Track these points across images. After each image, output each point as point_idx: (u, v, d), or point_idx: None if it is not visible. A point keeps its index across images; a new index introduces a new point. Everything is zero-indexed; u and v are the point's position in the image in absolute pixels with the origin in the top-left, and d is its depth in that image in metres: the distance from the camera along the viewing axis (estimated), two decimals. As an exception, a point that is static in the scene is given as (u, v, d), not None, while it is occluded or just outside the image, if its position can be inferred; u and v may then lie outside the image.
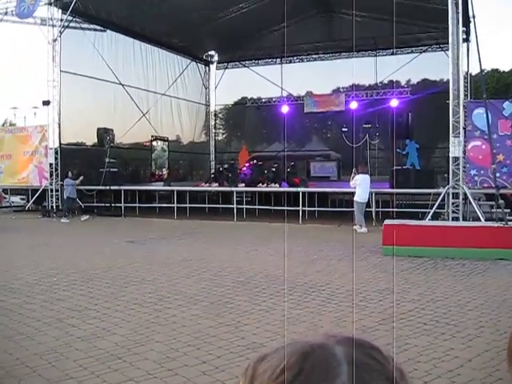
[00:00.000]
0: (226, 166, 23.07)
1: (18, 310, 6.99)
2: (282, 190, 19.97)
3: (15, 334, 5.97)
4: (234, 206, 19.08)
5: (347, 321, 6.25)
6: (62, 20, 20.62)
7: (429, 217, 14.42)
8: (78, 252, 12.04)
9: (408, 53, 25.70)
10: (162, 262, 10.56)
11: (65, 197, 19.21)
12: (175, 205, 20.02)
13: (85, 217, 18.70)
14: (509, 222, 11.55)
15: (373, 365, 0.75)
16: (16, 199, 24.77)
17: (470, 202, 14.66)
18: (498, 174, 14.33)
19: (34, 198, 21.56)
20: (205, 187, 22.07)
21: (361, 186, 14.92)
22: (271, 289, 7.98)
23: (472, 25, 16.85)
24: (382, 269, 9.53)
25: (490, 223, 12.15)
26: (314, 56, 28.70)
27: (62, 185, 20.75)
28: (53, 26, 20.47)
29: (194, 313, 6.74)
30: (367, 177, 15.21)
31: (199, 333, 5.89)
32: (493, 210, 14.91)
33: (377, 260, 10.43)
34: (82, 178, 19.86)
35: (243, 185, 20.45)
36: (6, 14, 21.48)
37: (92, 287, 8.29)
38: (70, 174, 19.56)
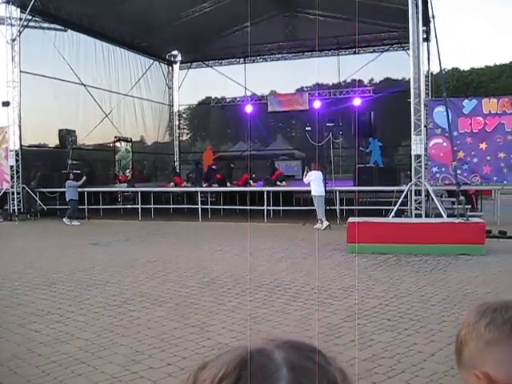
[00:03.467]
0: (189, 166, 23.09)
1: (-23, 316, 6.84)
2: (246, 189, 19.99)
3: (-25, 341, 5.84)
4: (199, 206, 19.01)
5: (312, 318, 6.27)
6: (20, 19, 20.18)
7: (392, 214, 14.60)
8: (41, 255, 11.85)
9: (370, 52, 25.99)
10: (126, 263, 10.46)
11: (67, 199, 18.60)
12: (139, 206, 19.87)
13: (76, 222, 18.27)
14: (469, 218, 11.78)
15: (313, 368, 0.74)
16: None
17: (432, 199, 14.89)
18: (458, 171, 14.59)
19: (-6, 202, 21.09)
20: (169, 188, 21.93)
21: (315, 182, 15.40)
22: (237, 288, 7.97)
23: (432, 24, 17.14)
24: (346, 266, 9.61)
25: (451, 219, 12.36)
26: (277, 56, 28.76)
27: (24, 187, 20.41)
28: (11, 25, 20.02)
29: (159, 314, 6.69)
30: (320, 173, 15.55)
31: (164, 335, 5.84)
32: (454, 207, 15.16)
33: (341, 258, 10.51)
34: (84, 178, 19.39)
35: (206, 185, 20.41)
36: (-39, 13, 20.97)
37: (55, 291, 8.15)
38: (71, 175, 19.08)
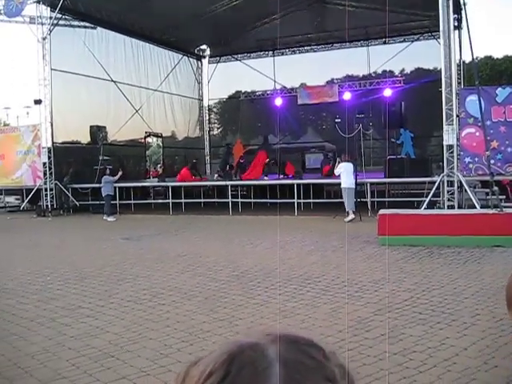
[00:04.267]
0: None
1: (11, 311, 6.94)
2: (277, 182, 19.94)
3: (7, 335, 5.92)
4: (229, 200, 19.01)
5: (342, 312, 6.20)
6: (51, 18, 20.41)
7: (424, 205, 14.38)
8: (73, 250, 11.99)
9: (400, 42, 25.62)
10: (156, 258, 10.51)
11: (103, 194, 18.72)
12: (170, 200, 19.97)
13: (112, 218, 18.40)
14: (504, 209, 11.52)
15: (308, 363, 0.69)
16: (11, 199, 24.62)
17: (465, 190, 14.63)
18: (492, 161, 14.27)
19: (28, 198, 21.44)
20: (200, 182, 21.99)
21: (344, 173, 15.24)
22: (266, 282, 7.93)
23: (463, 12, 16.79)
24: (377, 259, 9.50)
25: (485, 210, 12.12)
26: (306, 48, 28.60)
27: (57, 184, 20.69)
28: (42, 24, 20.27)
29: (188, 308, 6.69)
30: (350, 164, 15.37)
31: (193, 328, 5.84)
32: (488, 197, 14.89)
33: (372, 250, 10.39)
34: (120, 173, 19.45)
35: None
36: (-6, 13, 21.33)
37: (86, 285, 8.23)
38: (108, 170, 19.24)
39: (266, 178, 20.54)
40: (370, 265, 8.96)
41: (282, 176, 20.57)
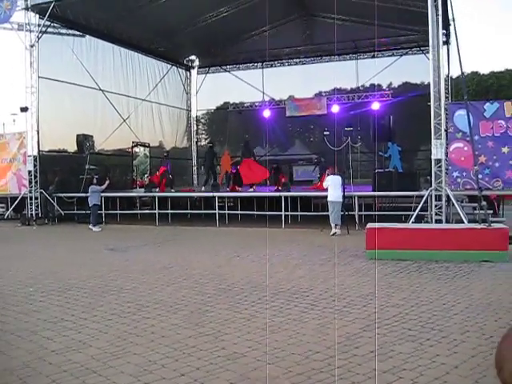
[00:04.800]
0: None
1: (-10, 323, 6.76)
2: (264, 194, 19.85)
3: (-14, 349, 5.75)
4: (216, 211, 18.88)
5: (330, 327, 6.09)
6: (39, 25, 20.29)
7: (412, 219, 14.35)
8: (57, 261, 11.80)
9: (389, 55, 25.77)
10: (142, 269, 10.36)
11: (90, 204, 18.36)
12: (157, 211, 19.80)
13: (97, 228, 18.12)
14: (492, 224, 11.49)
15: None
16: (-5, 208, 24.35)
17: (453, 204, 14.61)
18: (480, 176, 14.28)
19: (12, 206, 21.19)
20: (186, 193, 21.84)
21: (331, 186, 15.09)
22: (253, 296, 7.81)
23: (452, 27, 16.87)
24: (365, 273, 9.41)
25: (473, 225, 12.09)
26: (295, 60, 28.66)
27: (42, 192, 20.47)
28: (30, 31, 20.14)
29: (174, 322, 6.55)
30: (337, 177, 15.28)
31: (178, 343, 5.71)
32: (476, 212, 14.87)
33: (360, 264, 10.30)
34: (108, 182, 19.06)
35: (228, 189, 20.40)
36: (-18, 19, 21.14)
37: (69, 297, 8.06)
38: (94, 180, 18.91)
39: (251, 189, 20.41)
40: (358, 279, 8.87)
41: (277, 188, 20.42)
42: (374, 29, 19.44)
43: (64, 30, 21.90)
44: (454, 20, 15.96)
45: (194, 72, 31.32)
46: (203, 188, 21.77)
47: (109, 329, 6.36)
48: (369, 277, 9.02)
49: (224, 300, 7.64)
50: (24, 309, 7.44)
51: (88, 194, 18.49)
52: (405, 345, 5.46)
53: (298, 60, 28.61)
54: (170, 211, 20.18)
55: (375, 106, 21.58)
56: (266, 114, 26.22)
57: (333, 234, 14.69)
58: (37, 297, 8.17)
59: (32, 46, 20.12)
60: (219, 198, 19.60)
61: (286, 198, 17.96)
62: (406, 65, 24.96)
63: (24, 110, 20.19)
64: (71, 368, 5.09)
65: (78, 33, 22.50)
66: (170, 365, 5.10)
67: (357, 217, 16.64)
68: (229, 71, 30.10)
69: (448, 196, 14.66)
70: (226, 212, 19.33)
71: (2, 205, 23.12)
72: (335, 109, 21.26)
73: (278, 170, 22.35)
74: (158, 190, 21.71)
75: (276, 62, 28.98)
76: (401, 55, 25.55)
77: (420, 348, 5.34)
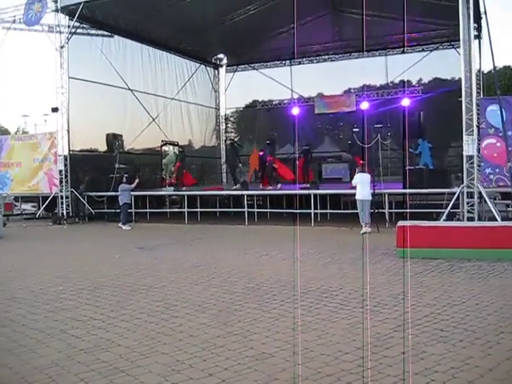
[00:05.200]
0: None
1: (21, 321, 6.82)
2: (293, 192, 19.73)
3: (16, 347, 5.79)
4: (245, 209, 18.85)
5: (360, 328, 5.98)
6: (69, 26, 20.57)
7: (443, 217, 14.12)
8: (87, 259, 11.89)
9: (419, 51, 25.41)
10: (170, 268, 10.37)
11: (121, 203, 18.45)
12: (186, 209, 19.85)
13: (127, 226, 18.21)
14: (526, 221, 11.23)
15: None
16: (27, 207, 24.75)
17: (486, 202, 14.33)
18: (513, 172, 14.00)
19: (44, 206, 21.48)
20: (215, 191, 21.82)
21: (359, 184, 14.81)
22: (282, 295, 7.74)
23: (483, 21, 16.56)
24: (396, 272, 9.26)
25: (506, 223, 11.85)
26: (323, 57, 28.47)
27: (72, 191, 20.72)
28: (60, 32, 20.41)
29: (202, 321, 6.52)
30: (365, 175, 14.98)
31: (206, 343, 5.66)
32: (509, 209, 14.59)
33: (391, 263, 10.15)
34: (137, 181, 19.05)
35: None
36: (14, 22, 21.50)
37: (98, 296, 8.10)
38: (124, 178, 18.93)
39: (278, 185, 20.25)
40: (389, 278, 8.73)
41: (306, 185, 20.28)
42: (404, 24, 19.18)
43: (93, 31, 22.15)
44: (485, 13, 15.69)
45: (222, 70, 31.39)
46: (237, 186, 21.59)
47: (137, 328, 6.36)
48: (399, 276, 8.87)
49: (253, 299, 7.58)
50: (54, 307, 7.49)
51: (118, 193, 18.61)
52: (437, 346, 5.33)
53: (326, 57, 28.43)
54: (199, 209, 20.20)
55: (405, 102, 21.17)
56: (295, 111, 25.99)
57: (363, 233, 14.50)
58: (67, 295, 8.22)
59: (62, 47, 20.40)
60: (248, 196, 19.56)
61: (315, 195, 17.84)
62: (437, 60, 24.58)
63: (55, 110, 20.45)
64: (99, 367, 5.08)
65: (106, 33, 22.73)
66: (197, 365, 5.06)
67: (387, 215, 16.45)
68: (257, 69, 30.06)
69: (480, 193, 14.39)
70: (255, 210, 19.29)
71: (34, 204, 23.50)
72: (364, 105, 20.93)
73: (307, 164, 22.31)
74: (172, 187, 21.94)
75: (304, 59, 28.83)
76: (431, 50, 25.18)
77: (452, 349, 5.21)
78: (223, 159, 31.12)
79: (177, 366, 5.03)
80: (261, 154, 21.45)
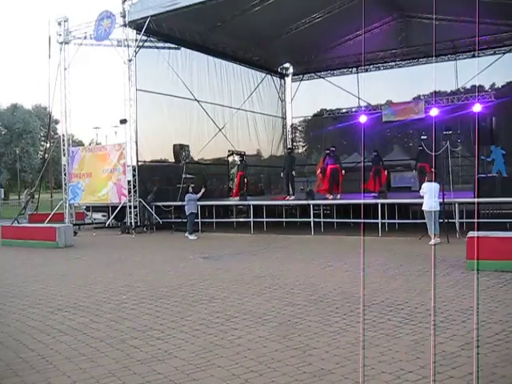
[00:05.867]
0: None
1: (83, 330, 6.89)
2: (360, 201, 19.33)
3: (76, 355, 5.83)
4: (311, 219, 18.62)
5: (425, 345, 5.69)
6: (136, 40, 21.05)
7: (518, 227, 13.46)
8: (151, 268, 12.00)
9: (490, 54, 24.51)
10: (234, 278, 10.29)
11: (187, 212, 18.61)
12: (251, 219, 19.80)
13: (193, 236, 18.34)
14: None
15: None
16: (98, 216, 25.42)
17: None
18: None
19: (113, 215, 21.96)
20: (280, 201, 21.66)
21: (427, 194, 14.22)
22: (345, 308, 7.51)
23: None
24: (465, 285, 8.83)
25: None
26: (391, 63, 27.96)
27: (141, 201, 21.11)
28: (128, 46, 20.93)
29: (261, 334, 6.38)
30: (434, 184, 14.36)
31: (264, 357, 5.52)
32: None
33: (460, 275, 9.71)
34: (203, 190, 19.25)
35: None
36: (85, 38, 22.18)
37: (160, 306, 8.11)
38: (190, 188, 19.11)
39: (333, 196, 19.82)
40: (458, 291, 8.33)
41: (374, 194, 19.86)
42: (474, 27, 18.58)
43: (160, 44, 22.61)
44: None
45: (288, 79, 31.38)
46: (291, 197, 21.38)
47: (195, 339, 6.29)
48: (469, 289, 8.46)
49: (314, 312, 7.39)
50: (115, 316, 7.54)
51: (184, 203, 18.77)
52: (509, 368, 4.96)
53: (393, 63, 27.89)
54: (265, 219, 20.13)
55: (476, 107, 20.47)
56: (363, 119, 25.61)
57: (432, 244, 13.98)
58: (129, 304, 8.28)
59: (130, 61, 20.89)
60: (315, 205, 19.31)
61: (382, 205, 17.42)
62: (510, 63, 23.62)
63: (123, 122, 20.91)
64: (154, 379, 5.03)
65: (173, 45, 23.17)
66: (253, 380, 4.92)
67: (457, 225, 15.83)
68: (323, 77, 29.86)
69: (558, 202, 13.64)
70: (322, 220, 19.03)
71: (104, 213, 24.08)
72: (434, 112, 20.36)
73: (377, 172, 21.93)
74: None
75: (371, 67, 28.43)
76: (503, 53, 24.23)
77: (526, 371, 4.86)
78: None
79: (232, 381, 4.91)
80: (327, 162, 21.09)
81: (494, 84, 25.40)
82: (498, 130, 17.67)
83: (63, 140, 23.45)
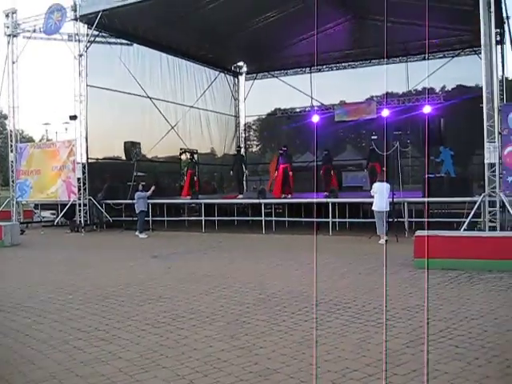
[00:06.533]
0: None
1: (25, 331, 6.69)
2: (312, 201, 19.46)
3: (17, 358, 5.65)
4: (263, 218, 18.62)
5: (371, 343, 5.72)
6: (87, 35, 20.64)
7: (464, 226, 13.76)
8: (100, 268, 11.80)
9: (440, 57, 25.00)
10: (182, 277, 10.19)
11: (137, 211, 18.41)
12: (203, 218, 19.69)
13: (144, 235, 18.08)
14: (550, 232, 10.85)
15: None
16: (47, 214, 24.83)
17: (508, 211, 13.92)
18: (537, 181, 13.61)
19: (62, 213, 21.51)
20: (232, 199, 21.59)
21: (376, 194, 14.41)
22: (293, 307, 7.50)
23: (506, 26, 16.20)
24: (412, 283, 8.95)
25: (529, 233, 11.45)
26: (344, 64, 28.21)
27: (90, 199, 20.73)
28: (79, 41, 20.51)
29: (208, 334, 6.31)
30: (384, 184, 14.54)
31: (209, 357, 5.45)
32: (533, 219, 14.17)
33: (408, 274, 9.84)
34: (153, 188, 18.96)
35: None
36: (34, 31, 21.64)
37: (106, 305, 7.95)
38: (140, 186, 18.81)
39: (284, 195, 19.85)
40: (405, 290, 8.44)
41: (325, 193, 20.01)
42: (425, 30, 18.90)
43: (112, 39, 22.21)
44: (508, 18, 15.30)
45: (242, 78, 31.30)
46: (240, 196, 21.47)
47: (141, 340, 6.17)
48: (416, 287, 8.58)
49: (262, 311, 7.35)
50: (60, 317, 7.35)
51: (135, 201, 18.52)
52: (451, 364, 5.03)
53: (346, 64, 28.16)
54: (216, 218, 20.05)
55: (426, 109, 20.83)
56: (315, 119, 25.77)
57: (382, 243, 14.15)
58: (74, 304, 8.09)
59: (80, 56, 20.47)
60: (267, 204, 19.32)
61: (333, 204, 17.55)
62: (460, 67, 24.15)
63: (73, 118, 20.49)
64: (97, 381, 4.90)
65: (125, 41, 22.80)
66: (198, 380, 4.84)
67: (406, 224, 16.09)
68: (277, 77, 29.91)
69: (502, 202, 13.98)
70: (273, 219, 19.06)
71: (53, 211, 23.55)
72: (385, 113, 20.60)
73: (328, 171, 22.06)
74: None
75: (324, 67, 28.63)
76: (452, 56, 24.76)
77: (467, 368, 4.91)
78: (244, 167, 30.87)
79: (176, 382, 4.83)
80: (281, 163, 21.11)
81: (443, 86, 25.93)
82: (446, 131, 18.04)
83: (11, 136, 22.83)
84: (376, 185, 14.59)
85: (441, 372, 4.82)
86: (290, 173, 20.07)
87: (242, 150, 31.09)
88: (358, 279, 9.57)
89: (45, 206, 24.35)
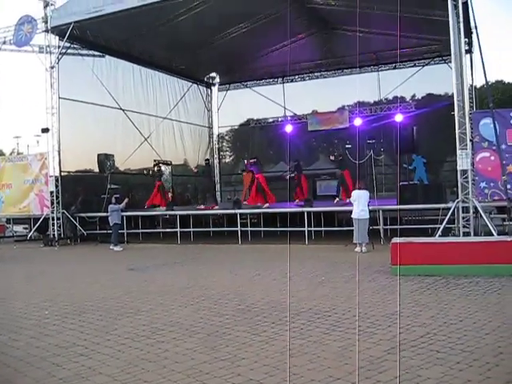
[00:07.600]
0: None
1: (1, 349, 6.54)
2: (287, 210, 19.49)
3: (-8, 377, 5.52)
4: (238, 228, 18.59)
5: (353, 350, 5.73)
6: (59, 47, 20.46)
7: (438, 233, 13.89)
8: (76, 282, 11.63)
9: (410, 66, 25.32)
10: (160, 290, 10.10)
11: (111, 223, 18.22)
12: (178, 229, 19.58)
13: (118, 248, 17.89)
14: (523, 236, 11.02)
15: None
16: (19, 229, 24.42)
17: (481, 216, 14.10)
18: (508, 186, 13.82)
19: (35, 227, 21.21)
20: (207, 211, 21.51)
21: (355, 202, 14.50)
22: (273, 316, 7.48)
23: (474, 35, 16.46)
24: (390, 290, 9.00)
25: (503, 237, 11.62)
26: (316, 74, 28.40)
27: (64, 213, 20.47)
28: (50, 53, 20.31)
29: (189, 346, 6.25)
30: (363, 192, 14.64)
31: (191, 370, 5.40)
32: (505, 223, 14.36)
33: (385, 281, 9.90)
34: (126, 200, 18.93)
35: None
36: (4, 43, 21.35)
37: (84, 320, 7.83)
38: (113, 199, 18.65)
39: (264, 205, 19.88)
40: (383, 297, 8.48)
41: (297, 202, 20.06)
42: (396, 40, 19.12)
43: (84, 51, 22.04)
44: (476, 28, 15.52)
45: (214, 89, 31.29)
46: (202, 206, 21.50)
47: (121, 354, 6.09)
48: (394, 294, 8.63)
49: (242, 321, 7.32)
50: (36, 333, 7.22)
51: (108, 214, 18.35)
52: (433, 369, 5.07)
53: (318, 74, 28.34)
54: (192, 229, 19.95)
55: (398, 117, 21.11)
56: (288, 129, 25.91)
57: (360, 251, 14.20)
58: (51, 320, 7.96)
59: (52, 68, 20.27)
60: (242, 214, 19.30)
61: (309, 213, 17.60)
62: (429, 75, 24.51)
63: (45, 130, 20.26)
64: (78, 398, 4.82)
65: (97, 53, 22.64)
66: (180, 394, 4.80)
67: (382, 231, 16.20)
68: (250, 87, 29.97)
69: (476, 208, 14.17)
70: (249, 229, 19.04)
71: (26, 226, 23.19)
72: (357, 122, 20.80)
73: (299, 181, 22.14)
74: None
75: (297, 77, 28.77)
76: (423, 65, 25.09)
77: (449, 372, 4.95)
78: (217, 178, 30.87)
79: (159, 396, 4.78)
80: (251, 169, 21.17)
81: (414, 95, 26.26)
82: (418, 139, 18.25)
83: (-19, 150, 22.49)
84: (355, 192, 14.68)
85: (423, 377, 4.84)
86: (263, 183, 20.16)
87: (216, 161, 31.28)
88: (336, 287, 9.59)
89: (17, 221, 23.95)
